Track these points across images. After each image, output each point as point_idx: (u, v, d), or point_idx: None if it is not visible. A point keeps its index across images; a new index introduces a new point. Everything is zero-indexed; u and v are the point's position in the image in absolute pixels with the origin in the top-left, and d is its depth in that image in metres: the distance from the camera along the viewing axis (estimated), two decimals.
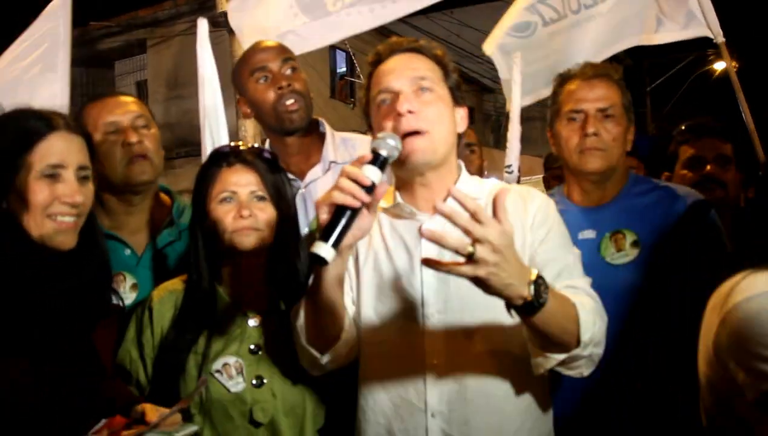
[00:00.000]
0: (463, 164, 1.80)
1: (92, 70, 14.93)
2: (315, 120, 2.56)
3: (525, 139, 3.20)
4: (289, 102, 2.40)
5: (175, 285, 1.93)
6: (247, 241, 1.82)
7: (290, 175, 2.35)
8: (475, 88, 17.94)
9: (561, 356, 1.54)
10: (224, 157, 1.89)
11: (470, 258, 1.30)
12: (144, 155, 2.16)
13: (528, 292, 1.37)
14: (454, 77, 1.76)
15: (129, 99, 2.27)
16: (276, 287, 1.88)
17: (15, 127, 1.59)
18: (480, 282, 1.33)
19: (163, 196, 2.34)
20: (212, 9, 9.58)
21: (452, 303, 1.66)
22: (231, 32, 9.08)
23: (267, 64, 2.45)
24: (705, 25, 3.09)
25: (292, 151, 2.48)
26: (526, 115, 3.29)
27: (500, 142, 13.27)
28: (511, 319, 1.58)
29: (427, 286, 1.68)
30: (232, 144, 1.95)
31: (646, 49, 3.54)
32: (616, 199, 2.19)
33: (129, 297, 2.13)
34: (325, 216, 1.42)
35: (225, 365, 1.81)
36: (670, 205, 2.15)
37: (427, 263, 1.37)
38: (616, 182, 2.20)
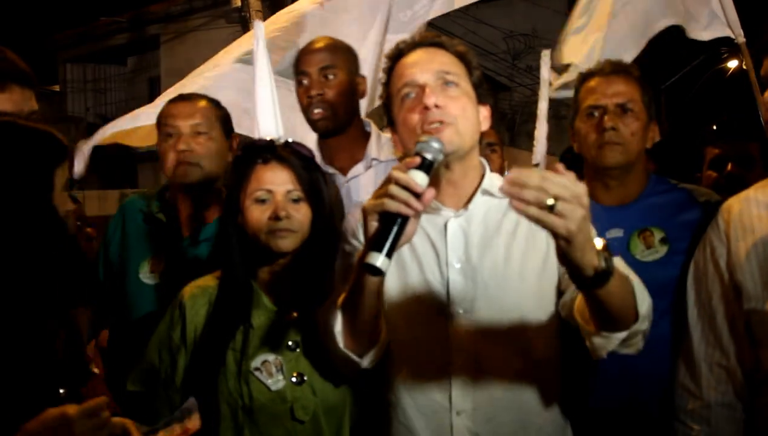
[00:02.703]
0: (486, 162, 1.79)
1: (104, 66, 14.98)
2: (360, 120, 2.60)
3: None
4: (316, 111, 2.45)
5: (207, 282, 1.91)
6: (283, 243, 1.80)
7: (332, 170, 2.43)
8: (490, 86, 17.90)
9: (623, 334, 1.51)
10: (259, 152, 1.86)
11: (551, 210, 1.22)
12: (188, 162, 2.31)
13: (599, 260, 1.32)
14: (476, 74, 1.74)
15: (193, 106, 2.39)
16: (312, 285, 1.84)
17: None
18: (564, 240, 1.25)
19: (225, 190, 2.44)
20: (227, 4, 9.61)
21: (478, 302, 1.65)
22: (245, 28, 9.12)
23: (307, 69, 2.49)
24: (726, 24, 3.09)
25: (334, 148, 2.53)
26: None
27: (515, 141, 13.22)
28: (536, 317, 1.59)
29: (453, 284, 1.66)
30: (268, 139, 1.91)
31: (660, 47, 3.54)
32: (641, 198, 2.19)
33: (157, 279, 2.34)
34: (374, 224, 1.39)
35: (264, 362, 1.79)
36: (692, 205, 2.15)
37: (510, 193, 1.23)
38: (638, 180, 2.20)
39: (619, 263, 1.58)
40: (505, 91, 18.18)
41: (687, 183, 2.27)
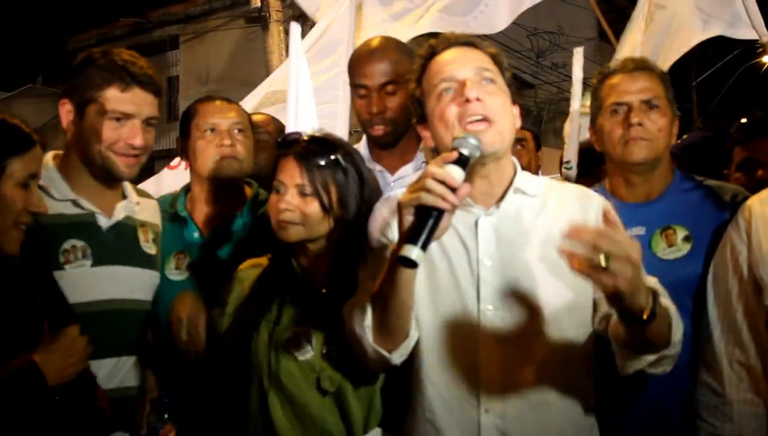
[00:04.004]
0: (517, 160, 1.80)
1: None
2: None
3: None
4: (377, 127, 2.43)
5: (260, 261, 2.04)
6: (284, 233, 1.87)
7: (379, 168, 2.46)
8: (515, 83, 17.73)
9: (652, 357, 1.56)
10: (285, 146, 1.94)
11: (604, 269, 1.30)
12: (233, 156, 2.39)
13: (648, 304, 1.39)
14: (508, 75, 1.76)
15: (233, 106, 2.51)
16: (340, 268, 1.90)
17: None
18: (617, 293, 1.34)
19: (246, 188, 2.53)
20: (246, 5, 9.51)
21: (509, 300, 1.66)
22: (265, 28, 9.01)
23: (367, 83, 2.43)
24: (750, 25, 3.09)
25: (385, 151, 2.53)
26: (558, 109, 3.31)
27: (541, 138, 13.02)
28: (566, 315, 1.62)
29: (483, 281, 1.67)
30: (298, 133, 1.98)
31: None
32: (664, 195, 2.17)
33: (184, 275, 2.37)
34: (410, 217, 1.41)
35: (296, 333, 1.86)
36: (718, 202, 2.14)
37: (568, 254, 1.34)
38: (662, 178, 2.18)
39: (653, 282, 1.63)
40: (529, 89, 18.01)
41: (715, 180, 2.25)
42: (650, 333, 1.47)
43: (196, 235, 2.42)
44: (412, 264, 1.37)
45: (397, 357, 1.65)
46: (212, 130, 2.40)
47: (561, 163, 3.24)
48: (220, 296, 2.11)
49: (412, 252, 1.36)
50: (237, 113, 2.48)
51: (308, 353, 1.84)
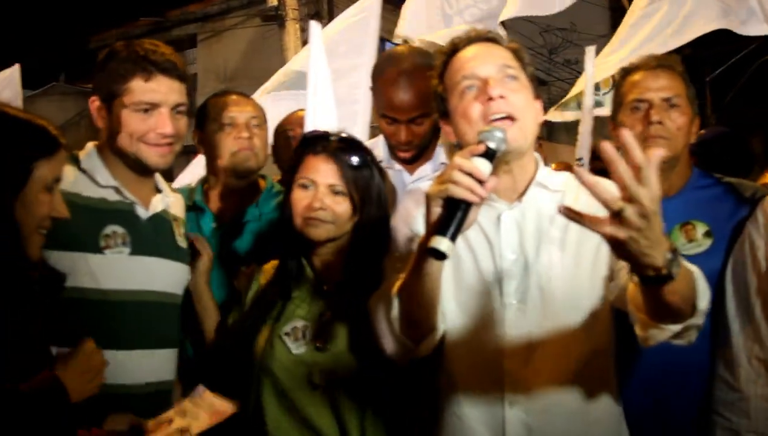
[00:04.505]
0: (539, 155, 1.80)
1: None
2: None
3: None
4: (404, 153, 2.43)
5: (277, 263, 2.05)
6: (315, 232, 1.88)
7: (398, 167, 2.47)
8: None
9: (677, 327, 1.50)
10: (312, 143, 1.94)
11: (616, 216, 1.20)
12: (251, 149, 2.46)
13: (663, 264, 1.28)
14: (530, 70, 1.75)
15: (249, 101, 2.59)
16: (352, 266, 1.91)
17: None
18: (617, 245, 1.24)
19: (260, 181, 2.58)
20: (263, 3, 9.66)
21: (532, 293, 1.66)
22: (281, 26, 9.17)
23: (396, 117, 2.38)
24: (764, 20, 3.09)
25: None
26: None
27: (553, 135, 13.04)
28: (589, 308, 1.60)
29: (506, 275, 1.67)
30: (326, 132, 1.98)
31: (705, 39, 3.48)
32: (683, 191, 2.18)
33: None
34: (438, 209, 1.41)
35: (294, 327, 1.88)
36: (737, 198, 2.14)
37: (567, 212, 1.27)
38: (680, 174, 2.19)
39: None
40: (542, 86, 18.01)
41: (733, 177, 2.25)
42: (671, 296, 1.37)
43: (212, 225, 2.47)
44: (442, 256, 1.38)
45: (423, 349, 1.66)
46: (230, 123, 2.46)
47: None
48: (232, 286, 2.18)
49: (442, 244, 1.36)
50: (253, 107, 2.55)
51: (302, 347, 1.86)
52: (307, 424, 1.84)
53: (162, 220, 2.12)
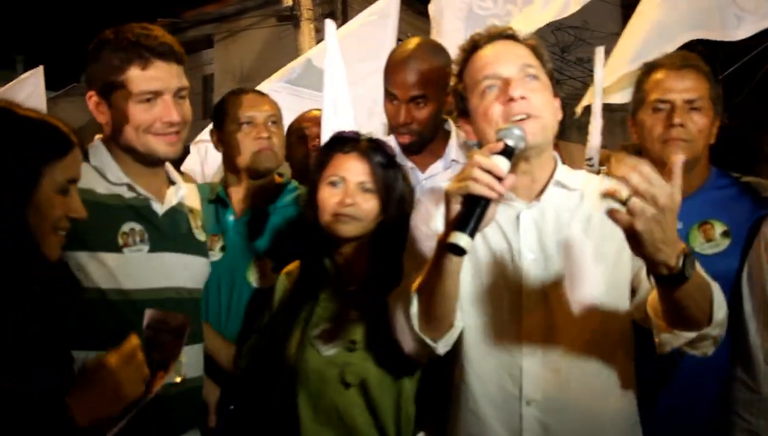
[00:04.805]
0: (557, 154, 1.80)
1: None
2: (443, 118, 2.59)
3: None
4: (403, 136, 2.47)
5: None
6: (345, 228, 1.90)
7: (410, 165, 2.47)
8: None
9: (691, 334, 1.52)
10: (343, 142, 1.96)
11: (624, 204, 1.27)
12: (271, 149, 2.46)
13: (676, 263, 1.34)
14: (549, 67, 1.75)
15: (266, 99, 2.57)
16: (376, 265, 1.93)
17: None
18: (633, 236, 1.29)
19: (277, 178, 2.59)
20: (278, 3, 9.76)
21: (551, 292, 1.66)
22: (296, 26, 9.27)
23: (397, 93, 2.44)
24: (761, 17, 3.00)
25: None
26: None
27: (565, 133, 13.05)
28: (608, 309, 1.60)
29: (526, 274, 1.67)
30: (356, 132, 2.01)
31: None
32: (701, 191, 2.17)
33: (217, 256, 2.41)
34: (457, 206, 1.43)
35: (323, 330, 1.90)
36: (755, 198, 2.13)
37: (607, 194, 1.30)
38: (699, 174, 2.18)
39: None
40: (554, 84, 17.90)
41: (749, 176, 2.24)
42: (685, 300, 1.43)
43: (231, 218, 2.48)
44: (461, 251, 1.39)
45: (442, 347, 1.66)
46: (248, 122, 2.46)
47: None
48: (248, 282, 2.20)
49: (461, 239, 1.38)
50: (270, 106, 2.55)
51: (333, 349, 1.87)
52: (343, 424, 1.85)
53: (178, 213, 2.05)
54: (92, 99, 1.91)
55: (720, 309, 1.52)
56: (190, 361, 1.95)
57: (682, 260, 1.34)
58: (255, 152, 2.45)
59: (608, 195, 1.29)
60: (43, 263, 1.54)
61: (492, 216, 1.45)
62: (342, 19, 10.84)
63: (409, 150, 2.51)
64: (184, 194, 2.08)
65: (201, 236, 2.13)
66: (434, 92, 2.41)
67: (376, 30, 3.73)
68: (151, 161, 1.95)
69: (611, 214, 1.29)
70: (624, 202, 1.27)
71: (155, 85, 1.86)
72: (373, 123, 3.36)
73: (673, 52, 2.27)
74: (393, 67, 2.47)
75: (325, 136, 2.63)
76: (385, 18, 3.70)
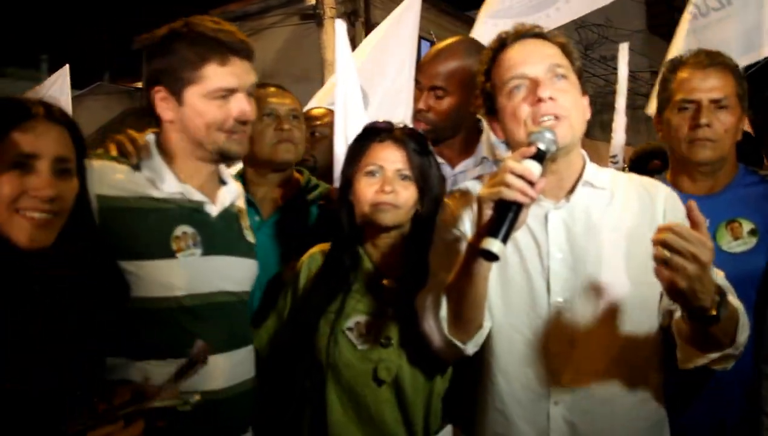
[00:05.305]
0: (585, 153, 1.79)
1: None
2: (473, 119, 2.60)
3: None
4: (418, 122, 2.49)
5: (325, 247, 2.05)
6: (385, 216, 1.90)
7: (440, 160, 2.45)
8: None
9: (714, 355, 1.54)
10: (377, 132, 1.97)
11: (666, 263, 1.32)
12: (291, 141, 2.45)
13: (712, 306, 1.38)
14: (578, 65, 1.73)
15: (288, 94, 2.56)
16: (414, 257, 1.92)
17: None
18: (675, 290, 1.35)
19: (296, 175, 2.59)
20: (301, 2, 9.81)
21: (579, 293, 1.66)
22: (319, 24, 9.32)
23: (420, 80, 2.51)
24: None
25: (447, 143, 2.58)
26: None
27: (589, 131, 12.92)
28: (637, 310, 1.61)
29: (553, 274, 1.68)
30: (389, 122, 2.01)
31: None
32: (728, 188, 2.16)
33: None
34: (489, 211, 1.44)
35: (357, 323, 1.89)
36: None
37: (661, 242, 1.35)
38: (726, 172, 2.17)
39: (721, 280, 1.62)
40: None
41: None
42: (715, 332, 1.46)
43: (256, 218, 2.44)
44: (494, 257, 1.39)
45: (471, 347, 1.67)
46: (269, 114, 2.44)
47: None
48: (279, 280, 2.16)
49: (494, 245, 1.38)
50: (292, 100, 2.55)
51: (368, 343, 1.86)
52: (372, 420, 1.85)
53: (230, 214, 1.98)
54: (159, 94, 1.83)
55: (743, 332, 1.53)
56: (243, 364, 1.91)
57: (718, 304, 1.38)
58: (275, 144, 2.44)
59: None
60: (18, 252, 1.43)
61: (524, 221, 1.46)
62: (364, 16, 10.88)
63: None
64: (236, 194, 2.02)
65: (250, 236, 2.06)
66: (456, 88, 2.43)
67: (398, 29, 3.76)
68: (216, 160, 1.90)
69: (656, 270, 1.34)
70: (665, 262, 1.31)
71: (232, 82, 1.81)
72: (396, 115, 3.42)
73: (699, 50, 2.22)
74: (426, 56, 2.54)
75: (338, 133, 2.73)
76: (406, 17, 3.73)
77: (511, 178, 1.41)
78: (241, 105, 1.81)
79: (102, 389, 1.46)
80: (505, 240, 1.39)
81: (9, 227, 1.41)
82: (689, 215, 1.37)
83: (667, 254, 1.31)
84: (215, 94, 1.80)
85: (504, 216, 1.40)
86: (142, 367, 1.68)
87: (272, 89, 2.54)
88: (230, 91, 1.81)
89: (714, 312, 1.38)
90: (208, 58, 1.78)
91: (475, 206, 1.56)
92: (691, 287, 1.32)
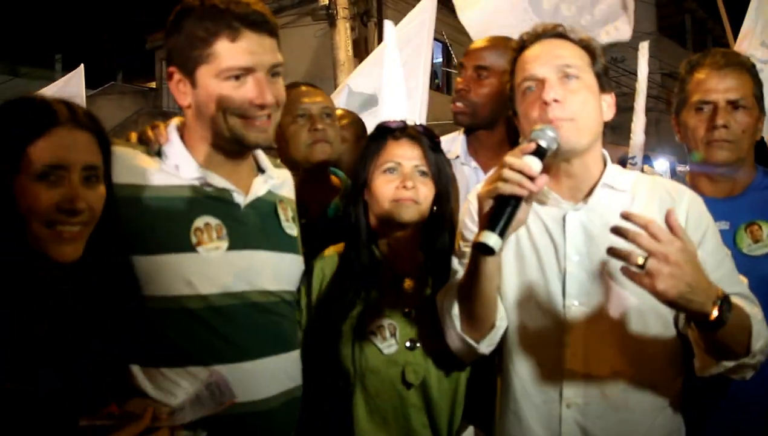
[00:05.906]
0: (607, 154, 1.76)
1: None
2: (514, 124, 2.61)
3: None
4: (458, 104, 2.56)
5: (338, 249, 2.02)
6: (407, 212, 1.88)
7: (474, 164, 2.54)
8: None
9: (730, 364, 1.52)
10: (391, 131, 1.96)
11: (642, 268, 1.32)
12: (326, 140, 2.38)
13: (713, 310, 1.37)
14: (600, 62, 1.71)
15: (319, 92, 2.50)
16: (430, 256, 1.92)
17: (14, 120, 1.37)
18: (658, 294, 1.34)
19: (333, 178, 2.54)
20: (314, 2, 9.84)
21: (595, 295, 1.64)
22: (332, 25, 9.34)
23: (463, 61, 2.58)
24: None
25: (480, 144, 2.61)
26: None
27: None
28: (652, 315, 1.59)
29: (570, 276, 1.66)
30: (401, 120, 2.01)
31: None
32: (748, 191, 2.13)
33: None
34: (488, 207, 1.44)
35: (379, 327, 1.86)
36: None
37: (614, 253, 1.37)
38: (745, 173, 2.14)
39: (743, 287, 1.61)
40: None
41: None
42: (723, 339, 1.44)
43: (302, 221, 2.37)
44: (489, 250, 1.39)
45: (485, 347, 1.67)
46: (302, 115, 2.38)
47: (620, 159, 3.20)
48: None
49: (490, 238, 1.38)
50: (324, 98, 2.49)
51: (393, 347, 1.84)
52: (398, 425, 1.83)
53: (265, 204, 1.80)
54: (174, 77, 1.66)
55: (759, 339, 1.51)
56: (288, 369, 1.77)
57: (719, 308, 1.37)
58: (310, 144, 2.38)
59: (621, 257, 1.34)
60: (50, 264, 1.38)
61: (524, 218, 1.46)
62: (377, 17, 10.89)
63: (459, 122, 2.57)
64: (275, 183, 1.84)
65: (292, 229, 1.87)
66: (499, 72, 2.39)
67: (414, 32, 3.75)
68: (236, 148, 1.71)
69: (632, 277, 1.34)
70: (642, 266, 1.31)
71: (246, 59, 1.59)
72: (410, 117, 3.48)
73: (715, 50, 2.21)
74: (472, 43, 2.65)
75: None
76: (422, 20, 3.73)
77: (508, 173, 1.41)
78: (258, 87, 1.61)
79: (113, 396, 1.39)
80: (502, 234, 1.39)
81: (39, 241, 1.35)
82: (666, 221, 1.37)
83: (640, 260, 1.32)
84: (227, 74, 1.60)
85: (502, 210, 1.40)
86: (156, 374, 1.54)
87: (303, 88, 2.48)
88: (246, 71, 1.60)
89: (714, 316, 1.37)
90: (218, 33, 1.58)
91: None
92: (672, 287, 1.32)
